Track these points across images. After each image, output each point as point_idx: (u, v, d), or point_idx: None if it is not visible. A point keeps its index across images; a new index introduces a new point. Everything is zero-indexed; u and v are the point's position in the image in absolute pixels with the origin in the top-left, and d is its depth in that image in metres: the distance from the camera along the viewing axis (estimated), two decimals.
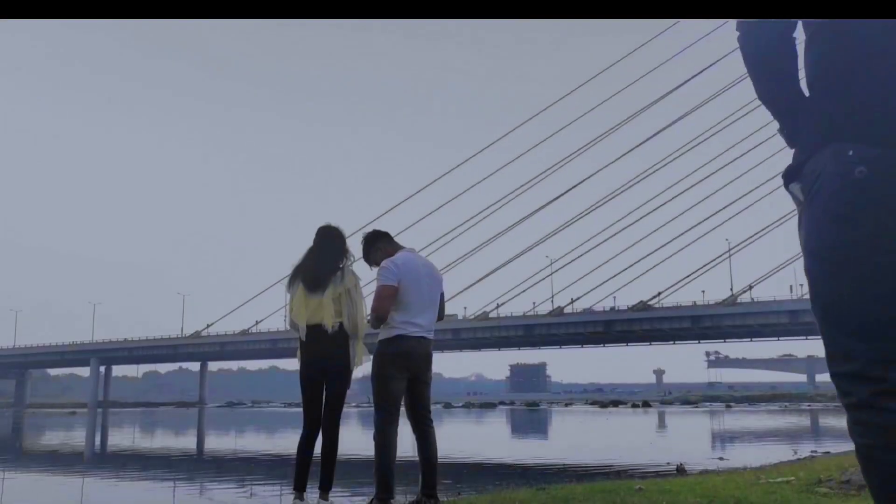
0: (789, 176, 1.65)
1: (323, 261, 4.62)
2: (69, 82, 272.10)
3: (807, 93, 1.65)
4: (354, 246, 4.78)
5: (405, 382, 4.42)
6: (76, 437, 24.74)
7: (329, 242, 4.68)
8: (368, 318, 4.54)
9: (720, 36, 49.53)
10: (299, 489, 4.48)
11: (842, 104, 1.56)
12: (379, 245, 4.73)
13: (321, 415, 4.57)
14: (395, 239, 4.81)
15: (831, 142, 1.55)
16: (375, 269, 4.63)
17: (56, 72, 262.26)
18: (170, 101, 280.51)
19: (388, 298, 4.38)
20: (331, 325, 4.50)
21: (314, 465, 4.56)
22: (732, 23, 1.72)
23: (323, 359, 4.52)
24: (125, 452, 17.41)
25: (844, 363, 1.56)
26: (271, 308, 69.22)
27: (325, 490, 4.50)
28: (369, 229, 4.90)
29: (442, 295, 4.60)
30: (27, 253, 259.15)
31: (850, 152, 1.51)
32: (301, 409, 4.65)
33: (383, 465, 4.28)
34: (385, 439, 4.32)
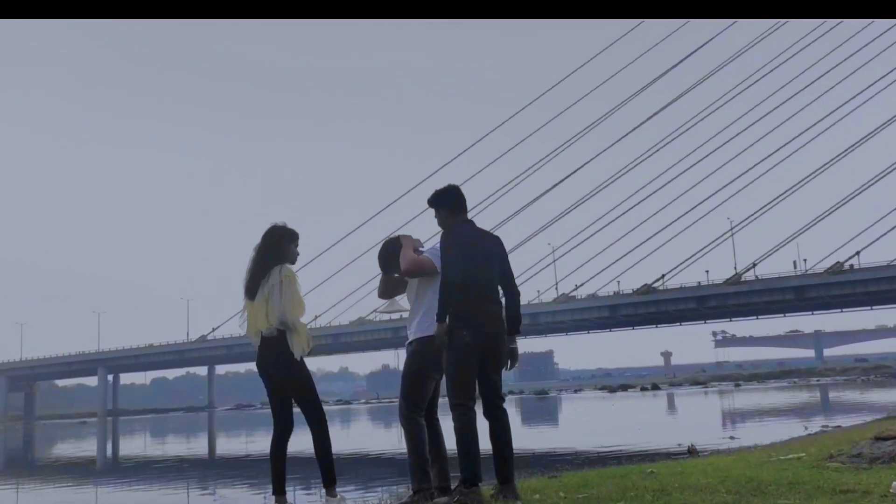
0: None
1: (255, 265, 4.53)
2: (63, 92, 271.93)
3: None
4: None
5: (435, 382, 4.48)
6: (88, 447, 24.79)
7: (262, 244, 4.55)
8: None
9: (716, 19, 49.35)
10: (278, 493, 4.39)
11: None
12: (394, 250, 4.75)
13: (287, 415, 4.53)
14: (396, 232, 4.82)
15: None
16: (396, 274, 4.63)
17: (45, 82, 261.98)
18: (167, 107, 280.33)
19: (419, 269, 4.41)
20: (266, 328, 4.44)
21: (312, 465, 4.50)
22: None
23: (265, 362, 4.48)
24: (136, 460, 17.43)
25: None
26: None
27: (329, 486, 4.40)
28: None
29: None
30: (29, 266, 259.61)
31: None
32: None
33: (417, 454, 4.29)
34: (414, 429, 4.34)
